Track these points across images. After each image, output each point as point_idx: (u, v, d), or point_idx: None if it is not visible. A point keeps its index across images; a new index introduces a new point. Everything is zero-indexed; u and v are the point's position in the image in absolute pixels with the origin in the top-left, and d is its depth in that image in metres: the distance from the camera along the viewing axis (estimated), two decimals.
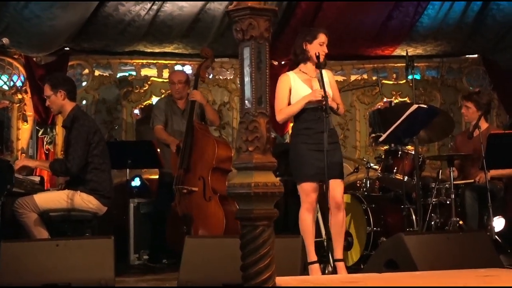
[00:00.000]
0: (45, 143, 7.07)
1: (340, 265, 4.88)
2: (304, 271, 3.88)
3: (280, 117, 5.03)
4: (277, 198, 2.43)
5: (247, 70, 2.46)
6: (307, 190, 4.90)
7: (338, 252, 4.91)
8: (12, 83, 7.24)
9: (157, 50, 7.37)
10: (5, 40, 4.57)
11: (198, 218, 5.78)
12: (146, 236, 6.50)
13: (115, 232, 6.09)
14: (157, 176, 6.81)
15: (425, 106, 5.53)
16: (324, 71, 5.02)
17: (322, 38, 5.02)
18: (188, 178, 5.91)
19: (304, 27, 5.24)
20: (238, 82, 7.70)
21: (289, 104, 5.01)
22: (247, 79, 2.46)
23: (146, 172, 7.30)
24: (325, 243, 4.98)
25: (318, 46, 5.00)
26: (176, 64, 7.66)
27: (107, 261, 3.92)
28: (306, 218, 4.91)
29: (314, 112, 4.95)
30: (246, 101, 2.45)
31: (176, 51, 7.40)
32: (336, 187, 4.89)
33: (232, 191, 2.45)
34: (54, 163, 5.14)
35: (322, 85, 4.87)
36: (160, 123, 6.38)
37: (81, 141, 5.00)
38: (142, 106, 7.61)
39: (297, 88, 5.01)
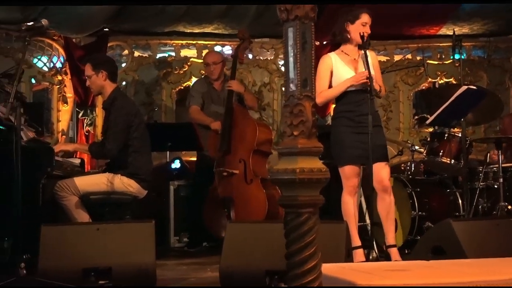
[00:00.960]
0: (85, 124, 7.12)
1: (394, 251, 4.77)
2: (348, 257, 3.80)
3: (319, 99, 4.92)
4: (322, 185, 2.35)
5: (291, 51, 2.36)
6: (349, 174, 4.81)
7: (390, 238, 4.81)
8: (51, 65, 7.28)
9: (196, 30, 7.32)
10: (44, 22, 4.55)
11: (239, 201, 5.77)
12: (186, 218, 6.51)
13: (154, 215, 6.14)
14: (195, 158, 6.79)
15: (475, 87, 5.37)
16: (367, 52, 4.90)
17: (365, 18, 4.89)
18: (228, 161, 5.89)
19: (345, 6, 5.12)
20: (279, 62, 7.69)
21: (330, 86, 4.91)
22: (291, 60, 2.36)
23: (186, 154, 7.29)
24: (369, 228, 4.89)
25: (360, 26, 4.87)
26: (215, 44, 7.62)
27: (148, 246, 3.90)
28: (348, 202, 4.82)
29: (357, 94, 4.84)
30: (291, 84, 2.35)
31: (216, 31, 7.34)
32: (381, 169, 4.79)
33: (275, 177, 2.36)
34: (93, 145, 5.15)
35: (367, 66, 4.76)
36: (196, 103, 6.35)
37: (120, 123, 4.98)
38: (182, 88, 7.57)
39: (338, 70, 4.90)
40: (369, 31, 4.88)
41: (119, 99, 5.09)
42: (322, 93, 4.90)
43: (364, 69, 4.80)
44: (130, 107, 5.14)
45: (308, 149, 2.34)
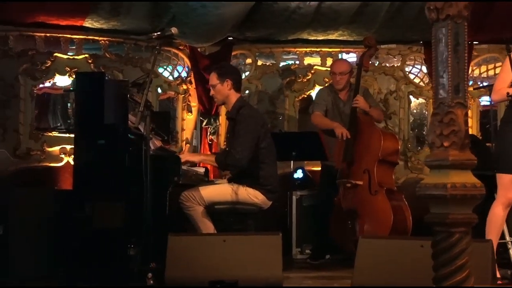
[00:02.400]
0: (208, 133, 7.13)
1: None
2: (494, 279, 3.51)
3: (495, 97, 4.65)
4: (477, 202, 2.16)
5: (441, 54, 2.18)
6: (508, 184, 4.46)
7: None
8: (177, 74, 7.38)
9: (320, 37, 7.20)
10: (174, 30, 4.60)
11: (363, 213, 5.63)
12: (309, 230, 6.40)
13: (276, 225, 6.11)
14: (319, 168, 6.67)
15: None
16: None
17: None
18: (353, 171, 5.77)
19: None
20: (406, 69, 7.47)
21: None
22: (441, 64, 2.17)
23: (309, 164, 7.19)
24: (510, 246, 4.56)
25: None
26: (340, 52, 7.50)
27: (275, 259, 3.81)
28: (499, 214, 4.49)
29: None
30: (441, 90, 2.18)
31: (341, 38, 7.20)
32: None
33: (423, 192, 2.19)
34: (220, 155, 5.07)
35: None
36: (320, 110, 6.24)
37: (249, 133, 4.91)
38: (305, 96, 7.49)
39: None
40: None
41: (245, 108, 5.04)
42: (501, 91, 4.56)
43: None
44: (258, 116, 5.09)
45: (460, 161, 2.18)
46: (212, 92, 5.17)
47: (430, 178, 2.18)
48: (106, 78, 5.28)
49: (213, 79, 5.09)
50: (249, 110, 5.03)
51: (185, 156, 5.16)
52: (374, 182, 5.62)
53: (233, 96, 5.10)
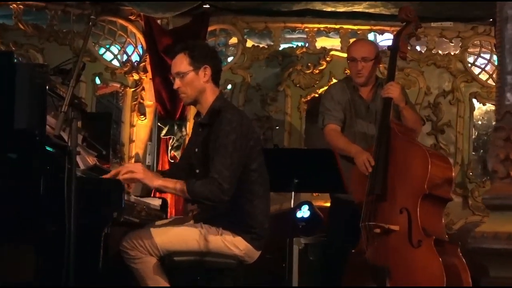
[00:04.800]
0: (170, 147, 7.19)
1: None
2: None
3: None
4: None
5: (510, 39, 2.20)
6: None
7: None
8: (125, 58, 7.46)
9: (341, 8, 7.33)
10: None
11: (399, 272, 5.57)
12: None
13: (272, 282, 6.10)
14: (328, 204, 6.69)
15: None
16: None
17: None
18: (383, 210, 5.72)
19: None
20: (468, 60, 7.54)
21: None
22: (510, 55, 2.20)
23: (319, 198, 7.29)
24: None
25: None
26: (370, 31, 7.64)
27: None
28: None
29: None
30: (508, 93, 2.20)
31: (371, 10, 7.34)
32: None
33: (479, 245, 2.22)
34: (195, 184, 4.96)
35: None
36: (334, 120, 6.24)
37: (237, 150, 4.82)
38: (316, 95, 7.54)
39: None
40: None
41: (228, 111, 4.98)
42: None
43: None
44: (247, 124, 5.03)
45: None
46: (178, 85, 5.03)
47: (489, 224, 2.20)
48: (16, 60, 5.24)
49: (183, 64, 4.98)
50: (234, 115, 4.94)
51: (133, 172, 4.92)
52: (416, 227, 5.59)
53: (211, 93, 5.03)
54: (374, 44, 6.63)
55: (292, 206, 6.51)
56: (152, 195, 6.15)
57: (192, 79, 4.95)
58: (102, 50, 7.41)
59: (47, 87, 4.80)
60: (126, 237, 4.87)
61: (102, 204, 4.63)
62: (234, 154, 4.80)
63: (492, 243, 2.19)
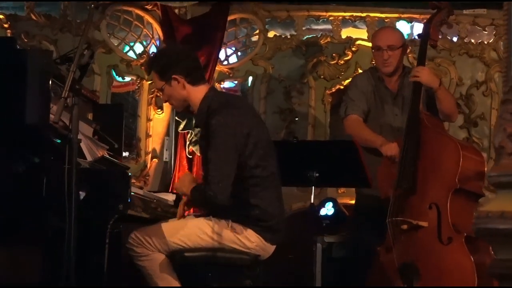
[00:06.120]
0: (187, 142, 7.15)
1: None
2: None
3: None
4: None
5: None
6: None
7: None
8: (142, 49, 7.40)
9: None
10: None
11: (428, 270, 5.53)
12: None
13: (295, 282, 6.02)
14: (353, 201, 6.70)
15: None
16: None
17: None
18: (411, 205, 5.69)
19: None
20: (502, 48, 7.36)
21: None
22: None
23: (344, 194, 7.27)
24: None
25: None
26: (398, 19, 7.61)
27: None
28: None
29: None
30: None
31: None
32: None
33: (484, 226, 2.13)
34: (194, 189, 5.01)
35: None
36: (357, 111, 6.22)
37: (224, 151, 4.81)
38: (341, 87, 7.49)
39: None
40: None
41: (217, 110, 4.95)
42: None
43: None
44: (235, 120, 4.95)
45: None
46: (164, 98, 5.18)
47: (495, 202, 2.10)
48: (18, 47, 5.24)
49: (156, 80, 5.13)
50: (221, 113, 4.90)
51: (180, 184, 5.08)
52: (446, 223, 5.56)
53: (195, 95, 5.03)
54: (400, 31, 6.61)
55: (312, 201, 6.45)
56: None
57: (169, 92, 5.05)
58: (116, 42, 7.38)
59: (51, 74, 4.81)
60: (132, 234, 4.85)
61: (107, 196, 4.66)
62: (222, 158, 4.82)
63: (498, 223, 2.11)
